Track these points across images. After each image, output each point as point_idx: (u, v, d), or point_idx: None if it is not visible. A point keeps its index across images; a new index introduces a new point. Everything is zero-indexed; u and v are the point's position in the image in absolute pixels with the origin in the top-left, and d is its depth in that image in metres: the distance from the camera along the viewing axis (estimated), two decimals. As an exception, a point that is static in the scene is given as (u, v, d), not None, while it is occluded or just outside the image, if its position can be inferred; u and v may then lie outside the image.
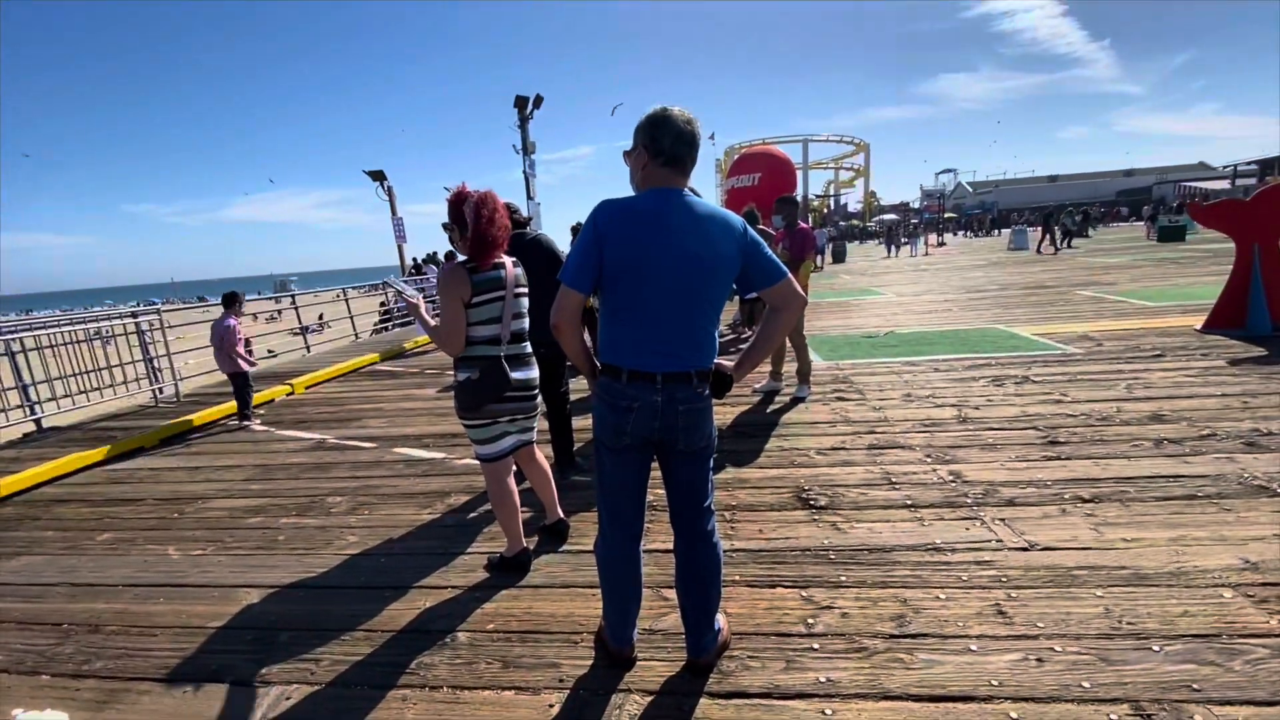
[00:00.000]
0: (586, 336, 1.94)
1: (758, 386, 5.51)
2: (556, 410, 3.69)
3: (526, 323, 2.59)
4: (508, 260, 2.50)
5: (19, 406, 5.94)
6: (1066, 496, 3.02)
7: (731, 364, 1.87)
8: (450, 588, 2.65)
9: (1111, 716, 1.71)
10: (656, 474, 1.97)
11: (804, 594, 2.39)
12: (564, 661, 2.12)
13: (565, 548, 2.90)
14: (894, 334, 7.87)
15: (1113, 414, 4.14)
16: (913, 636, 2.10)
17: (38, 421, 6.04)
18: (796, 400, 5.10)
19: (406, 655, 2.22)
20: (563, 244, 3.73)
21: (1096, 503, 2.93)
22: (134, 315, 7.04)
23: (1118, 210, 48.42)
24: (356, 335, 11.99)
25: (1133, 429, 3.84)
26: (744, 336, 8.30)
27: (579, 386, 5.98)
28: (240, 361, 5.72)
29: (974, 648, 2.02)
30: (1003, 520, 2.83)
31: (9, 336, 5.99)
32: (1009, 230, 33.18)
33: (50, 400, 6.17)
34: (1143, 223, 26.18)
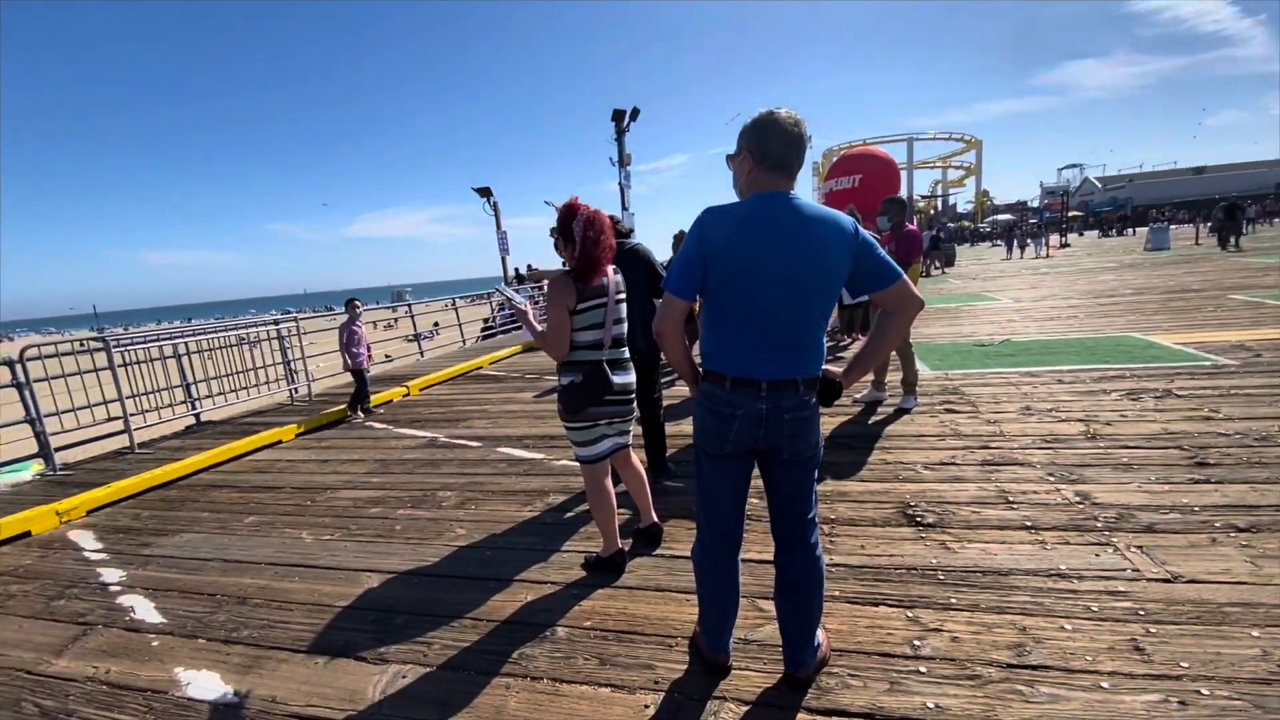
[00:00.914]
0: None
1: (859, 396, 5.31)
2: (650, 416, 3.74)
3: (626, 328, 2.66)
4: (609, 268, 2.58)
5: (183, 402, 6.81)
6: (1218, 524, 2.69)
7: (840, 370, 1.82)
8: (550, 583, 2.75)
9: (1276, 776, 1.51)
10: (757, 481, 1.96)
11: (909, 614, 2.28)
12: (658, 663, 2.15)
13: (659, 552, 2.94)
14: (1010, 342, 7.32)
15: (1273, 433, 3.64)
16: (1033, 668, 1.95)
17: (197, 416, 6.89)
18: (901, 411, 4.87)
19: (510, 645, 2.34)
20: (661, 253, 3.80)
21: (1254, 533, 2.59)
22: (275, 323, 7.86)
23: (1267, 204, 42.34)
24: (464, 341, 12.73)
25: (1304, 452, 3.36)
26: (843, 344, 8.02)
27: (672, 393, 6.04)
28: (361, 359, 6.51)
29: (1105, 685, 1.85)
30: (1140, 548, 2.57)
31: (177, 340, 6.88)
32: (1145, 229, 29.83)
33: (207, 397, 7.03)
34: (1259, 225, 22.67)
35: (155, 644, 2.60)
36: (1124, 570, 2.42)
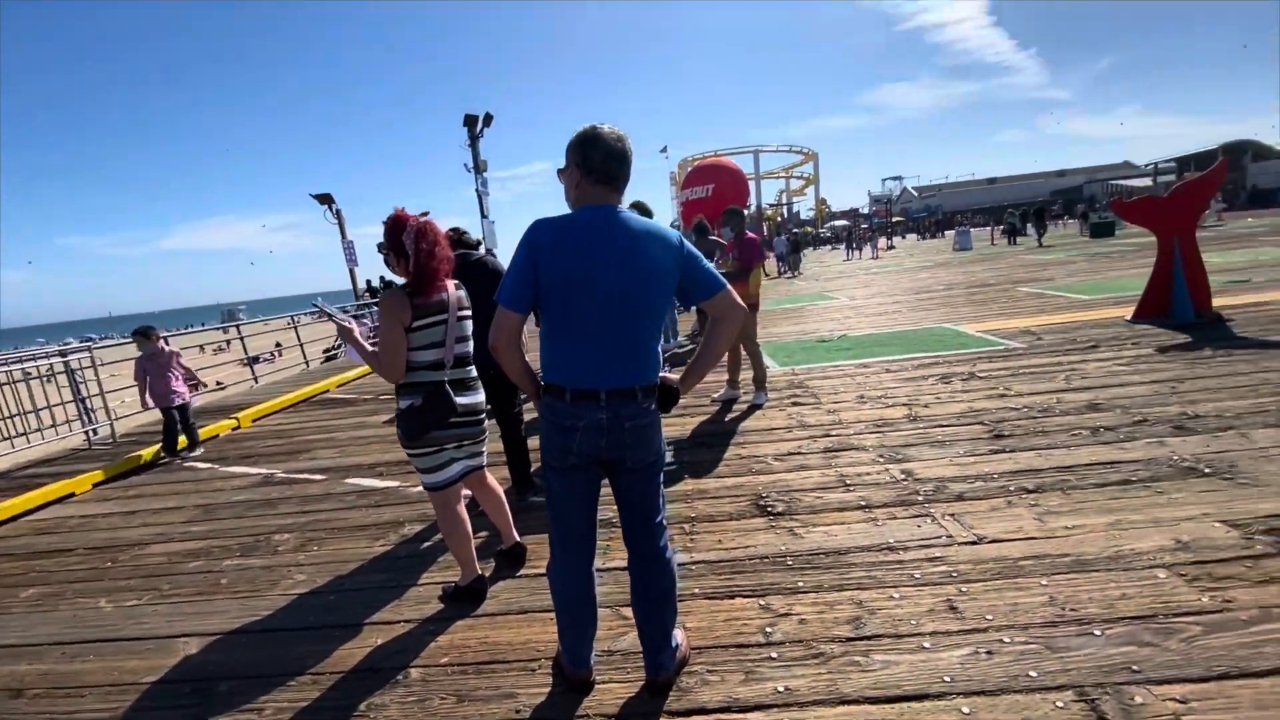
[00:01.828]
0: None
1: (716, 396, 5.54)
2: (510, 431, 3.63)
3: (471, 346, 2.54)
4: (449, 283, 2.45)
5: (-66, 457, 5.56)
6: (1012, 489, 3.11)
7: (677, 377, 1.87)
8: (403, 622, 2.56)
9: (1058, 703, 1.75)
10: (608, 490, 1.95)
11: (762, 602, 2.39)
12: (521, 691, 2.07)
13: (523, 572, 2.84)
14: (847, 337, 8.04)
15: (1053, 405, 4.31)
16: (869, 638, 2.12)
17: (-44, 472, 5.65)
18: (754, 407, 5.15)
19: (357, 696, 2.13)
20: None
21: (1040, 493, 3.03)
22: (61, 354, 6.68)
23: (1054, 210, 50.88)
24: (308, 363, 11.65)
25: (1071, 419, 4.00)
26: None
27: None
28: (175, 397, 5.57)
29: (927, 645, 2.05)
30: (952, 515, 2.90)
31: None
32: (953, 231, 34.43)
33: (-30, 449, 5.79)
34: (1076, 221, 27.63)
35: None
36: (940, 537, 2.71)
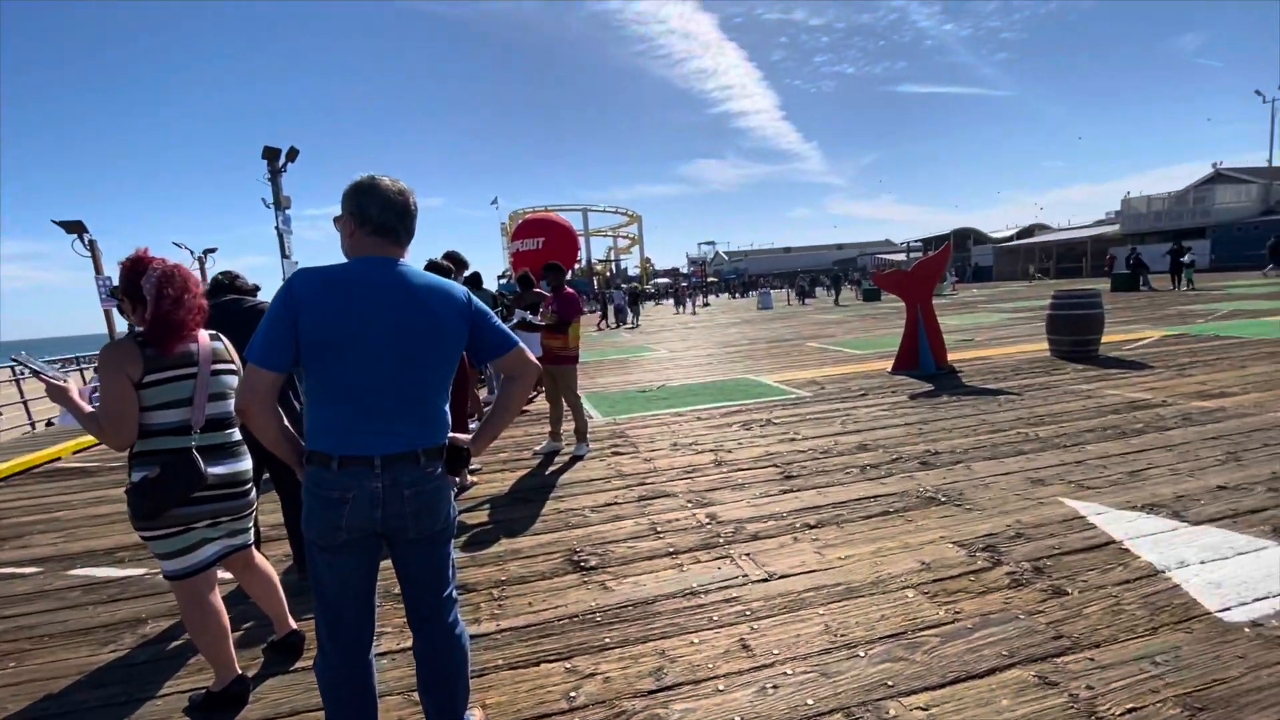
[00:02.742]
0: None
1: (537, 449, 5.46)
2: (293, 499, 3.20)
3: (233, 404, 2.21)
4: (202, 334, 2.13)
5: None
6: (798, 525, 3.42)
7: (468, 438, 1.76)
8: (129, 748, 2.07)
9: (830, 727, 1.90)
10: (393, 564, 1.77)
11: (568, 665, 2.32)
12: (282, 811, 1.76)
13: (299, 665, 2.46)
14: (665, 387, 8.45)
15: (831, 447, 4.88)
16: (669, 688, 2.14)
17: None
18: (576, 459, 5.15)
19: None
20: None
21: (820, 527, 3.37)
22: None
23: (837, 276, 59.33)
24: (34, 425, 9.41)
25: (846, 458, 4.55)
26: (529, 397, 8.23)
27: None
28: None
29: (721, 687, 2.13)
30: (748, 555, 3.10)
31: None
32: (756, 292, 38.52)
33: None
34: (850, 288, 32.62)
35: None
36: (737, 577, 2.88)
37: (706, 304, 36.67)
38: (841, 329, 15.31)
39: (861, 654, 2.24)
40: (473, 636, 2.54)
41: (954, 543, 3.07)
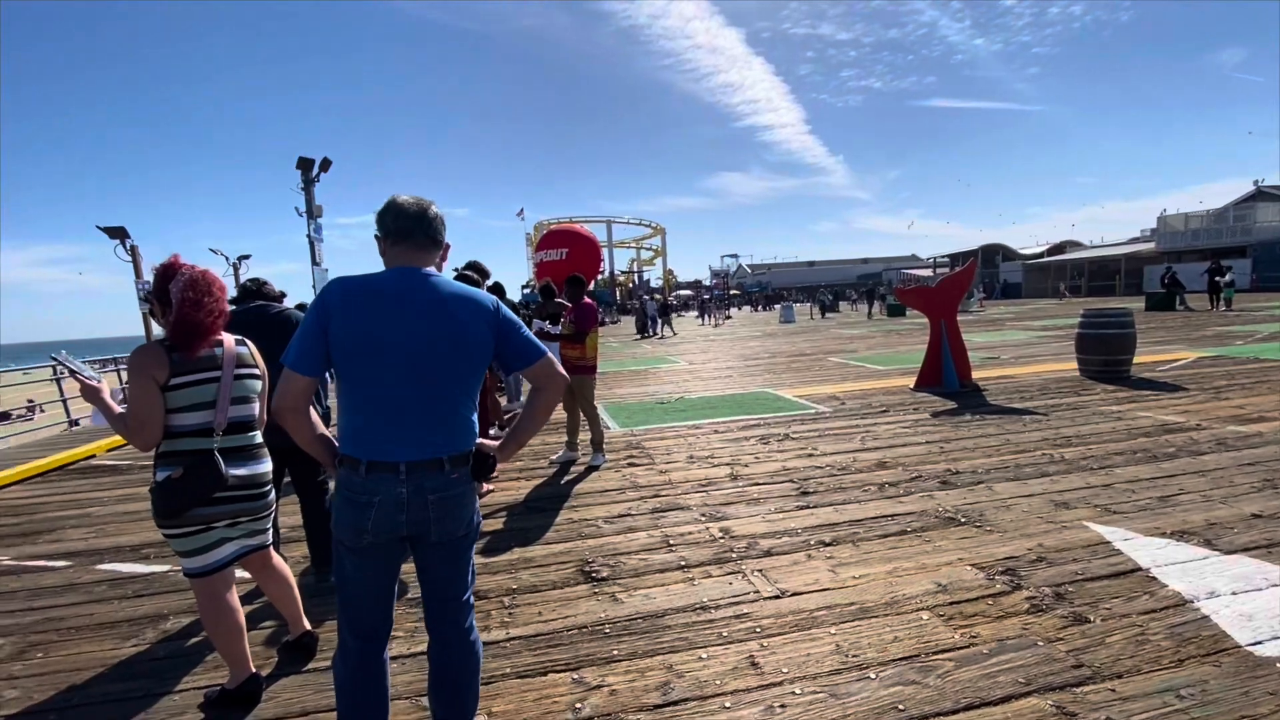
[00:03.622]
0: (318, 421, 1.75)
1: (554, 458, 5.49)
2: (311, 503, 3.26)
3: (255, 409, 2.28)
4: (228, 338, 2.20)
5: None
6: (812, 542, 3.38)
7: (495, 445, 1.80)
8: (146, 741, 2.12)
9: (837, 750, 1.87)
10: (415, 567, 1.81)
11: (575, 676, 2.32)
12: (289, 810, 1.78)
13: (311, 665, 2.50)
14: (684, 399, 8.44)
15: (850, 464, 4.81)
16: (675, 703, 2.13)
17: None
18: (591, 469, 5.16)
19: None
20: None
21: (835, 545, 3.32)
22: None
23: (862, 291, 58.72)
24: (73, 423, 9.73)
25: (864, 475, 4.49)
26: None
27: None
28: None
29: (728, 704, 2.10)
30: (760, 571, 3.07)
31: None
32: (779, 305, 38.31)
33: None
34: (877, 301, 32.24)
35: None
36: (748, 593, 2.86)
37: (728, 317, 36.56)
38: (864, 344, 15.14)
39: (873, 676, 2.20)
40: (483, 644, 2.55)
41: (972, 565, 3.01)
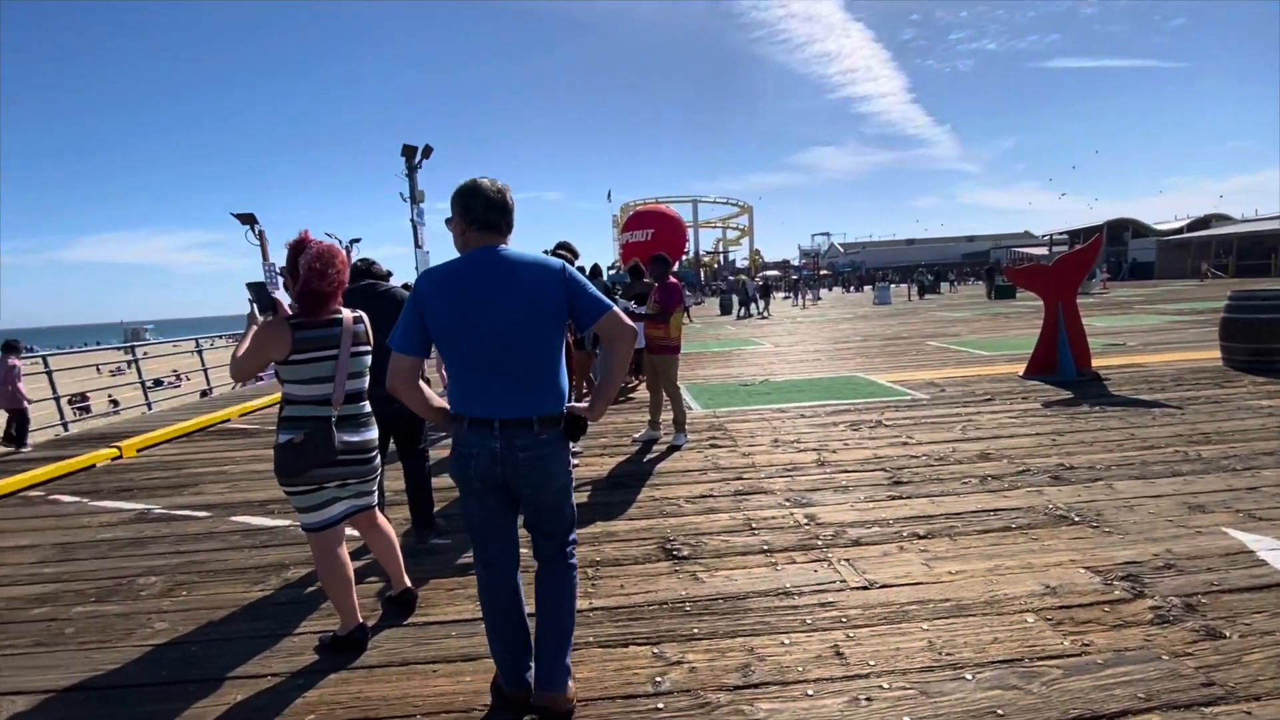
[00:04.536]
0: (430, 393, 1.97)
1: (636, 436, 5.55)
2: (413, 470, 3.48)
3: (366, 382, 2.45)
4: (347, 314, 2.37)
5: None
6: (905, 534, 3.22)
7: (585, 406, 1.94)
8: (270, 676, 2.35)
9: (927, 750, 1.79)
10: None
11: (655, 650, 2.35)
12: (390, 751, 1.93)
13: (411, 620, 2.69)
14: (769, 382, 8.27)
15: (948, 454, 4.54)
16: (755, 686, 2.11)
17: None
18: (673, 449, 5.18)
19: (203, 762, 1.93)
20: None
21: (930, 538, 3.16)
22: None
23: (966, 271, 54.79)
24: (210, 390, 10.90)
25: (964, 467, 4.23)
26: (630, 386, 8.34)
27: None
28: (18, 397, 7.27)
29: (811, 692, 2.06)
30: (848, 560, 2.97)
31: None
32: (874, 286, 36.55)
33: None
34: (982, 282, 29.96)
35: None
36: (834, 582, 2.77)
37: (817, 299, 35.29)
38: (967, 328, 14.18)
39: (969, 677, 2.08)
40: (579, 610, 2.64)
41: (1087, 568, 2.76)
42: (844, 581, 2.77)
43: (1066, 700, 1.95)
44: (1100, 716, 1.88)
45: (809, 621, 2.47)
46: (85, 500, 4.88)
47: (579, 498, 4.08)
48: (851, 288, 50.84)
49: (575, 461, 4.89)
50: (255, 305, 2.37)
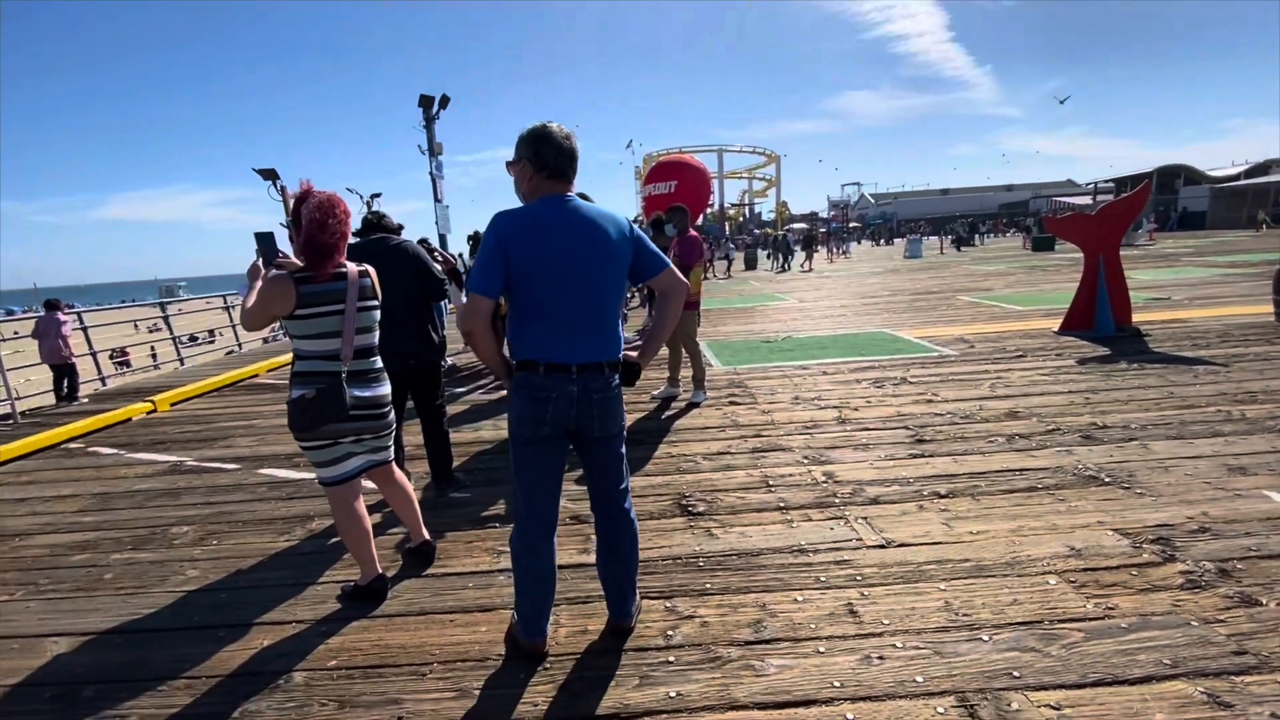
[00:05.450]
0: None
1: (655, 393, 5.52)
2: (431, 425, 3.50)
3: (375, 337, 2.42)
4: (352, 268, 2.33)
5: None
6: (925, 493, 3.16)
7: (636, 354, 2.04)
8: (295, 623, 2.43)
9: (938, 709, 1.77)
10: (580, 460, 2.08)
11: (668, 604, 2.36)
12: (407, 697, 1.97)
13: (429, 571, 2.74)
14: (791, 338, 8.13)
15: (975, 412, 4.42)
16: (767, 642, 2.10)
17: None
18: (692, 405, 5.14)
19: (230, 703, 2.01)
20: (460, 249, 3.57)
21: (951, 498, 3.09)
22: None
23: (1001, 222, 52.73)
24: (240, 346, 11.14)
25: (990, 425, 4.11)
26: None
27: (465, 400, 5.79)
28: (64, 351, 7.39)
29: (822, 649, 2.05)
30: (865, 519, 2.93)
31: None
32: (904, 239, 35.41)
33: None
34: (1021, 234, 28.78)
35: None
36: (850, 540, 2.74)
37: (846, 252, 34.35)
38: (1001, 281, 13.71)
39: (985, 638, 2.04)
40: (581, 565, 2.66)
41: (1115, 530, 2.68)
42: (860, 540, 2.74)
43: (1086, 664, 1.90)
44: (1122, 681, 1.83)
45: (823, 579, 2.45)
46: (122, 452, 5.06)
47: (596, 453, 4.09)
48: (882, 240, 49.41)
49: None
50: (261, 257, 2.34)
